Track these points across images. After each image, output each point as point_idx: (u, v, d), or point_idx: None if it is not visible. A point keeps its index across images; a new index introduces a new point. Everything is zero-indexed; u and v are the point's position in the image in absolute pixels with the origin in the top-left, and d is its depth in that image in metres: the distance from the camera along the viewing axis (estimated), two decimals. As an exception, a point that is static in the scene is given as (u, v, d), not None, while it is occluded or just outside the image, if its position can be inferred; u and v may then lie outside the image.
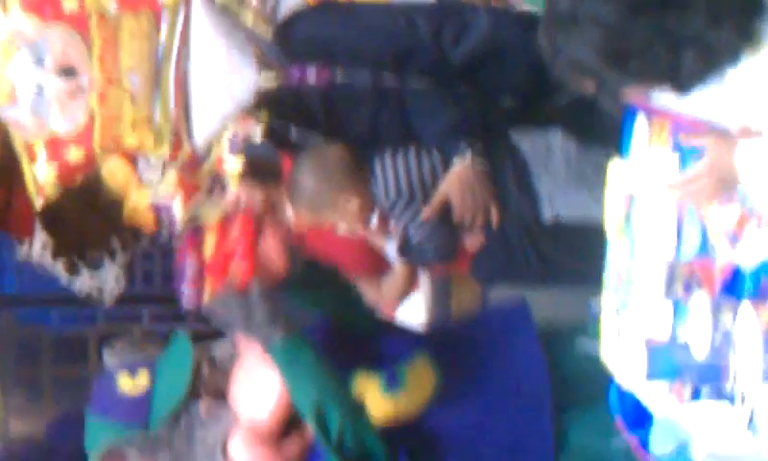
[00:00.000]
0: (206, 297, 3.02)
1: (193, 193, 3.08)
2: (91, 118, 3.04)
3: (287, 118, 3.19)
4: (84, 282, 3.70)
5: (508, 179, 3.13)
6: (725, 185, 2.13)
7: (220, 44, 3.03)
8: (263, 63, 3.10)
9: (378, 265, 3.55)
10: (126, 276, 3.79)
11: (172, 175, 3.00)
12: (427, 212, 3.05)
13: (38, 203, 3.11)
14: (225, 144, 3.03)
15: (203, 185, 3.08)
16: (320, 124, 3.20)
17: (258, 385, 2.66)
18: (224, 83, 3.06)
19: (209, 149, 3.08)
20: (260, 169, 3.21)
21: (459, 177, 3.04)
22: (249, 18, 3.06)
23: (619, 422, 2.69)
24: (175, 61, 3.01)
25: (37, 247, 3.47)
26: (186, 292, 3.11)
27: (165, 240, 3.81)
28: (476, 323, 3.13)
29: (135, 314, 5.26)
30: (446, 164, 3.09)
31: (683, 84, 2.09)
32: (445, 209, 3.07)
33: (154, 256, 5.00)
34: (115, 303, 3.75)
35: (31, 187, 3.11)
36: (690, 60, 2.01)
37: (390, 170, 3.10)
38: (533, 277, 3.18)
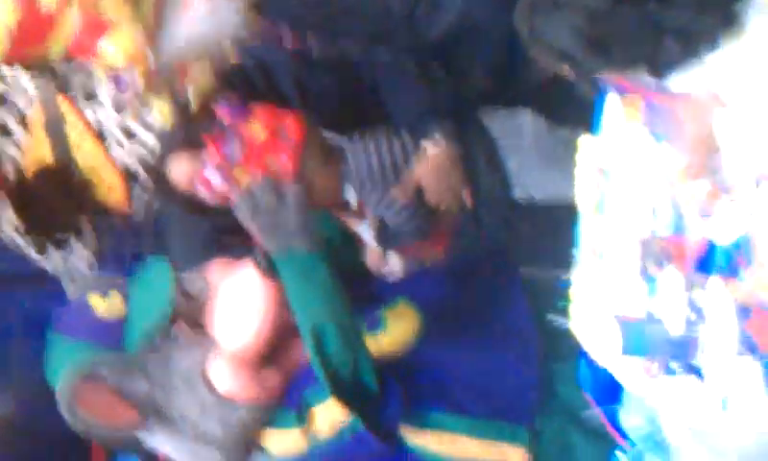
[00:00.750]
0: (238, 187, 2.93)
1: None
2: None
3: (256, 93, 3.17)
4: (54, 262, 3.69)
5: (478, 158, 3.13)
6: (701, 164, 2.14)
7: None
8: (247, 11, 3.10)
9: None
10: (97, 257, 3.77)
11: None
12: (399, 195, 3.04)
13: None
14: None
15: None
16: (290, 98, 3.18)
17: (242, 309, 2.62)
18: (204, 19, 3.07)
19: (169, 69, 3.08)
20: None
21: (431, 160, 3.03)
22: None
23: (588, 397, 2.70)
24: None
25: (7, 225, 3.45)
26: (213, 178, 2.98)
27: (138, 220, 3.79)
28: (461, 264, 3.12)
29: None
30: (418, 146, 3.08)
31: (662, 70, 2.09)
32: (419, 192, 3.07)
33: (125, 238, 4.95)
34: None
35: None
36: (671, 47, 2.02)
37: (361, 152, 3.09)
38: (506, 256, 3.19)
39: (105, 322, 2.65)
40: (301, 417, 2.64)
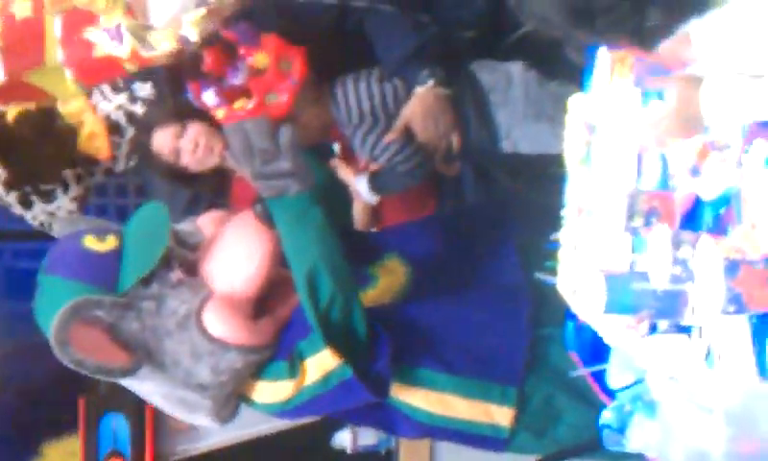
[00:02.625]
0: (233, 115, 2.93)
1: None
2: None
3: None
4: (37, 213, 3.67)
5: (467, 109, 3.12)
6: (689, 126, 2.12)
7: None
8: None
9: None
10: (79, 209, 3.75)
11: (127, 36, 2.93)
12: (390, 137, 3.04)
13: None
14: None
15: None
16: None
17: (237, 254, 2.62)
18: None
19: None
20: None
21: (421, 102, 3.03)
22: None
23: (575, 357, 2.69)
24: None
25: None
26: (212, 99, 2.96)
27: (120, 170, 3.78)
28: (452, 220, 3.11)
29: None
30: (409, 90, 3.08)
31: (647, 41, 2.07)
32: (410, 134, 3.06)
33: (108, 190, 4.95)
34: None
35: None
36: (656, 18, 1.99)
37: (352, 95, 3.08)
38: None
39: (99, 261, 2.60)
40: (293, 368, 2.63)
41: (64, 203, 3.69)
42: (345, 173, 3.16)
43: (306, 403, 2.66)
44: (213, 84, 2.94)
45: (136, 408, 4.19)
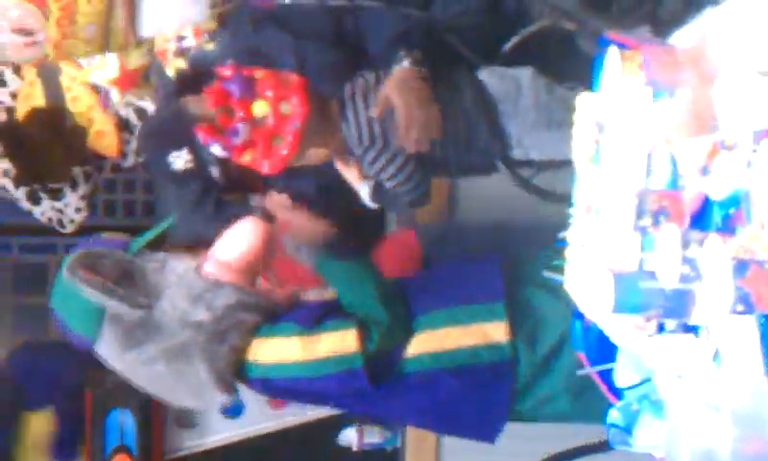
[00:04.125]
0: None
1: (131, 80, 3.11)
2: (46, 57, 3.11)
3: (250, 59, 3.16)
4: (45, 209, 3.67)
5: (479, 119, 3.12)
6: (701, 124, 2.12)
7: None
8: None
9: None
10: (87, 206, 3.76)
11: (113, 59, 3.05)
12: (374, 112, 3.06)
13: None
14: (171, 43, 3.05)
15: (142, 70, 3.11)
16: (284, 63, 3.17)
17: (235, 232, 2.97)
18: (175, 9, 3.09)
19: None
20: None
21: (397, 76, 3.06)
22: None
23: (582, 357, 2.69)
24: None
25: (-2, 173, 3.45)
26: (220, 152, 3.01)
27: (128, 167, 3.78)
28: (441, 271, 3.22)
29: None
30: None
31: (663, 26, 2.06)
32: (418, 155, 3.07)
33: (116, 186, 4.96)
34: (75, 233, 3.72)
35: None
36: (671, 5, 1.99)
37: (362, 115, 3.08)
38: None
39: (113, 241, 2.97)
40: (307, 331, 2.85)
41: (73, 200, 3.70)
42: (349, 174, 3.16)
43: (306, 380, 2.86)
44: (218, 140, 2.95)
45: (143, 404, 4.20)
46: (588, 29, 2.19)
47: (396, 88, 3.03)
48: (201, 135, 2.94)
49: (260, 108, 2.94)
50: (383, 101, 3.05)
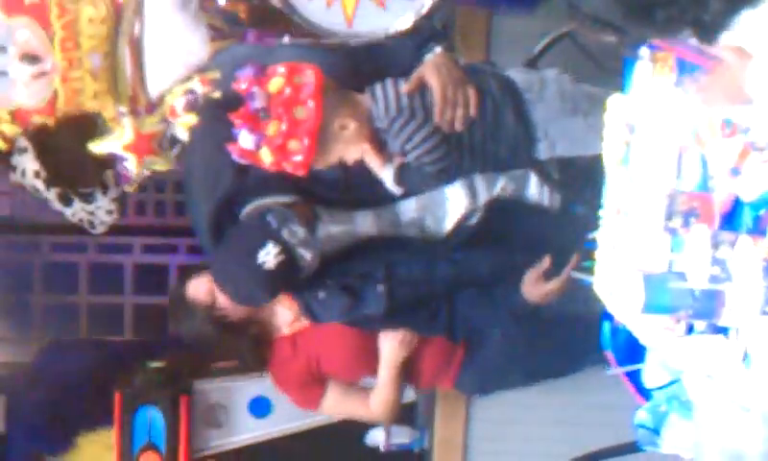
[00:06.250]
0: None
1: (147, 145, 3.13)
2: (55, 94, 3.16)
3: None
4: (76, 210, 3.69)
5: (505, 111, 3.13)
6: (734, 95, 2.11)
7: (172, 14, 3.09)
8: (216, 31, 3.14)
9: (370, 363, 3.53)
10: (119, 208, 3.78)
11: (128, 124, 3.05)
12: (406, 88, 3.07)
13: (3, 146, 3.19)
14: (179, 98, 3.08)
15: (156, 135, 3.14)
16: None
17: None
18: (178, 52, 3.12)
19: (162, 98, 3.16)
20: None
21: (432, 60, 3.09)
22: None
23: (611, 357, 2.69)
24: (130, 34, 3.10)
25: (30, 174, 3.46)
26: (245, 141, 3.02)
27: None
28: None
29: (126, 244, 5.26)
30: None
31: (709, 33, 2.06)
32: (442, 133, 3.08)
33: (147, 187, 4.98)
34: (106, 233, 3.74)
35: None
36: (716, 9, 1.98)
37: (391, 89, 3.09)
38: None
39: None
40: None
41: (104, 203, 3.72)
42: (372, 160, 3.16)
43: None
44: (246, 122, 2.97)
45: (171, 402, 4.21)
46: (630, 37, 2.18)
47: (432, 70, 3.07)
48: (234, 121, 2.95)
49: (275, 83, 2.96)
50: (417, 81, 3.07)
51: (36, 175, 3.53)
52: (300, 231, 3.09)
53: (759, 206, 2.10)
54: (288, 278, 3.13)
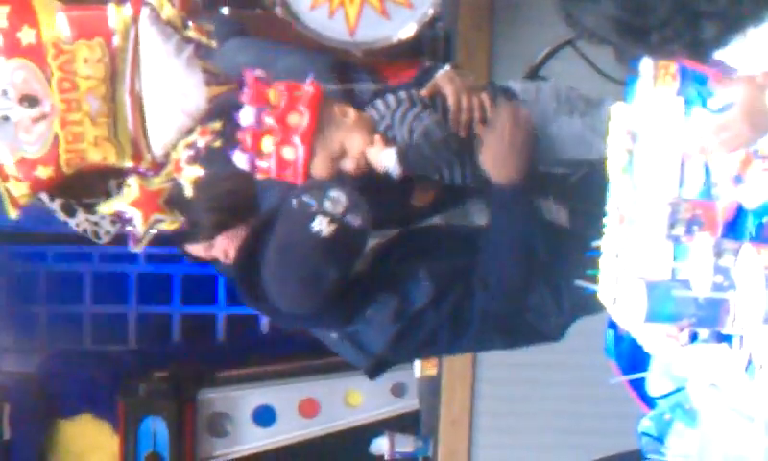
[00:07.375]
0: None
1: (153, 202, 3.15)
2: (56, 140, 3.15)
3: None
4: (80, 221, 3.70)
5: (495, 96, 3.15)
6: (757, 130, 2.11)
7: (167, 60, 3.10)
8: (211, 76, 3.14)
9: None
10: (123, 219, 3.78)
11: (134, 182, 3.07)
12: (423, 93, 3.08)
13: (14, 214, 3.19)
14: (182, 152, 3.09)
15: (163, 193, 3.15)
16: None
17: None
18: (174, 97, 3.13)
19: (167, 155, 3.17)
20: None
21: (445, 73, 3.11)
22: (192, 32, 3.10)
23: (614, 366, 2.69)
24: (128, 81, 3.12)
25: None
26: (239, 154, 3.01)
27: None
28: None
29: (130, 254, 5.27)
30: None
31: (703, 53, 2.05)
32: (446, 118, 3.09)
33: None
34: (111, 243, 3.74)
35: (6, 200, 3.21)
36: (711, 32, 1.98)
37: (388, 95, 3.11)
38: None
39: None
40: None
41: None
42: (373, 150, 3.13)
43: None
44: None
45: (175, 412, 4.22)
46: (627, 54, 2.19)
47: (445, 79, 3.09)
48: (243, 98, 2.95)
49: (271, 95, 2.97)
50: (432, 88, 3.10)
51: (40, 186, 3.54)
52: (342, 197, 2.94)
53: (762, 214, 2.11)
54: (349, 245, 3.00)
